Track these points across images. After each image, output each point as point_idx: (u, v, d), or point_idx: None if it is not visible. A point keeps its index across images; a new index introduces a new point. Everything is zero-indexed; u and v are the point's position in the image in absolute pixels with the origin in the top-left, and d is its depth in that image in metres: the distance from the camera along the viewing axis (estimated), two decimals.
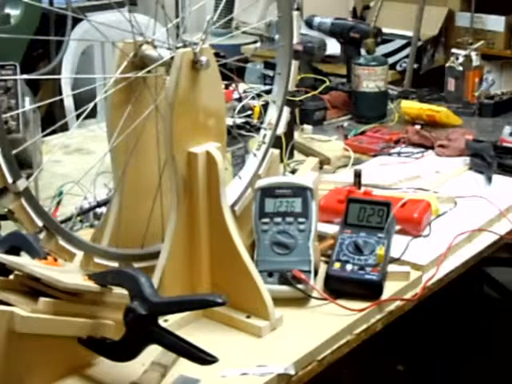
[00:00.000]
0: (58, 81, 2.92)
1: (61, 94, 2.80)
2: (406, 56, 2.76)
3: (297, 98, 2.03)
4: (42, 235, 1.08)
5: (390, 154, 1.96)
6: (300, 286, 1.24)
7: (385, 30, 2.47)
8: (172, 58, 1.15)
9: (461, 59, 2.38)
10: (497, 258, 1.89)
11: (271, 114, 1.40)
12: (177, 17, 1.34)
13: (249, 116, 1.70)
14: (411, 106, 2.25)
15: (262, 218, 1.29)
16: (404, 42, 2.79)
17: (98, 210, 1.53)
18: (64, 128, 2.04)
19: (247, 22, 3.44)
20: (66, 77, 2.75)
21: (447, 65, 2.45)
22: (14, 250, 1.13)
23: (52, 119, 2.91)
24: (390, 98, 2.36)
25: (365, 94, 2.26)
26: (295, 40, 1.38)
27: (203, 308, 1.13)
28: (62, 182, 1.56)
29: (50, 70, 2.70)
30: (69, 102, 2.65)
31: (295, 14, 1.37)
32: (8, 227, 1.34)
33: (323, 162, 1.87)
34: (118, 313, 1.02)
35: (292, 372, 1.09)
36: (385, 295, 1.27)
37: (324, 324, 1.20)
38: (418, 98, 2.42)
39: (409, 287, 1.32)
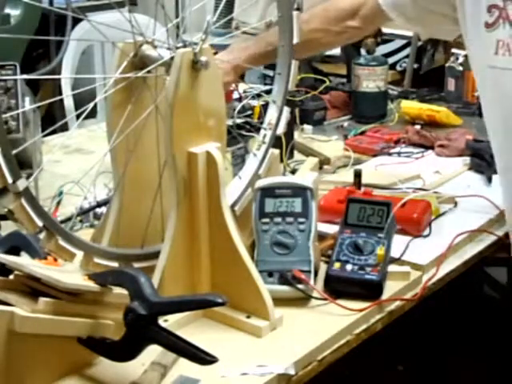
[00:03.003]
0: (58, 81, 2.92)
1: (61, 94, 2.80)
2: (406, 56, 2.75)
3: (297, 98, 2.03)
4: (42, 235, 1.08)
5: (390, 154, 1.96)
6: (300, 286, 1.24)
7: (385, 30, 2.47)
8: (172, 58, 1.15)
9: (461, 59, 2.38)
10: (497, 258, 1.89)
11: (271, 113, 1.40)
12: (177, 17, 1.34)
13: (249, 116, 1.70)
14: (411, 106, 2.25)
15: (262, 218, 1.29)
16: (404, 41, 2.78)
17: (98, 210, 1.53)
18: (64, 128, 2.04)
19: (247, 22, 3.43)
20: (66, 77, 2.75)
21: (447, 65, 2.45)
22: (14, 250, 1.13)
23: (52, 119, 2.91)
24: (390, 98, 2.36)
25: (365, 94, 2.26)
26: (295, 40, 1.38)
27: (203, 308, 1.13)
28: (62, 182, 1.56)
29: (49, 70, 2.70)
30: (69, 102, 2.65)
31: (295, 13, 1.37)
32: (8, 227, 1.34)
33: (323, 162, 1.87)
34: (118, 313, 1.02)
35: (292, 372, 1.09)
36: (385, 295, 1.27)
37: (324, 324, 1.20)
38: (417, 98, 2.42)
39: (409, 287, 1.32)
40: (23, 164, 1.45)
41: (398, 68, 2.78)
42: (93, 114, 2.15)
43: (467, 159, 1.88)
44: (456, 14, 1.46)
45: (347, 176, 1.71)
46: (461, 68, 2.38)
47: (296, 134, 2.01)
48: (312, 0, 1.89)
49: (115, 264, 1.18)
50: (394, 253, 1.37)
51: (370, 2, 1.62)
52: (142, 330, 0.99)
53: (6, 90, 1.57)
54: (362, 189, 1.59)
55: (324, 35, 1.67)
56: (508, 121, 1.39)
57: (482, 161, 1.82)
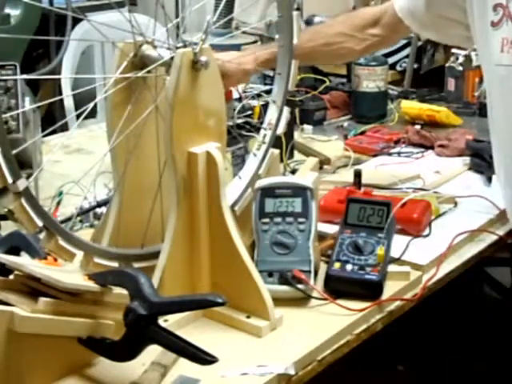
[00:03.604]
0: (58, 81, 2.92)
1: (61, 94, 2.80)
2: (406, 56, 2.75)
3: (297, 98, 2.03)
4: (42, 235, 1.08)
5: (390, 154, 1.96)
6: (300, 286, 1.24)
7: None
8: (172, 58, 1.15)
9: (461, 59, 2.38)
10: (497, 257, 1.89)
11: (271, 114, 1.40)
12: (177, 17, 1.34)
13: (249, 116, 1.70)
14: (411, 106, 2.25)
15: (262, 218, 1.29)
16: (404, 41, 2.78)
17: (98, 210, 1.53)
18: (64, 128, 2.04)
19: (247, 22, 3.43)
20: (66, 77, 2.75)
21: (447, 65, 2.45)
22: (14, 250, 1.13)
23: (52, 119, 2.91)
24: (390, 97, 2.36)
25: (365, 94, 2.26)
26: (295, 40, 1.38)
27: (203, 308, 1.13)
28: (62, 182, 1.56)
29: (49, 70, 2.70)
30: (69, 102, 2.65)
31: (295, 13, 1.37)
32: (8, 227, 1.34)
33: (323, 162, 1.87)
34: (118, 313, 1.02)
35: (292, 372, 1.09)
36: (385, 295, 1.27)
37: (324, 324, 1.20)
38: (417, 98, 2.42)
39: (409, 287, 1.32)
40: (23, 164, 1.45)
41: (398, 68, 2.78)
42: (93, 113, 2.15)
43: (467, 159, 1.88)
44: (467, 19, 1.47)
45: (347, 176, 1.71)
46: (461, 68, 2.38)
47: (296, 134, 2.01)
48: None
49: (115, 264, 1.18)
50: (394, 253, 1.37)
51: (389, 10, 1.64)
52: (141, 330, 0.99)
53: (6, 89, 1.57)
54: (362, 189, 1.59)
55: (347, 39, 1.68)
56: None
57: (482, 161, 1.82)
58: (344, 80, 2.49)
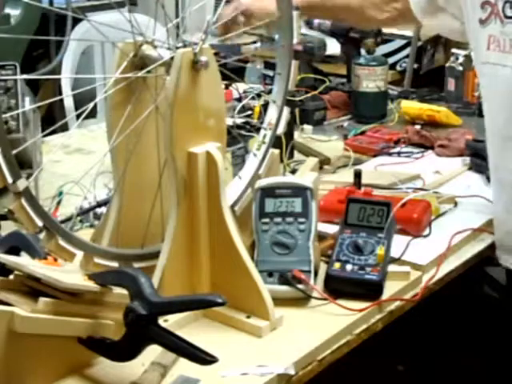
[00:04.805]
0: (57, 81, 2.92)
1: (61, 94, 2.80)
2: (406, 56, 2.76)
3: (297, 98, 2.03)
4: (42, 235, 1.08)
5: (390, 154, 1.96)
6: (300, 286, 1.24)
7: (385, 30, 2.47)
8: (172, 58, 1.15)
9: (461, 59, 2.38)
10: (497, 257, 1.89)
11: (271, 114, 1.40)
12: (177, 17, 1.34)
13: (249, 116, 1.70)
14: (411, 106, 2.25)
15: (262, 218, 1.29)
16: (404, 41, 2.79)
17: (98, 210, 1.53)
18: (64, 128, 2.04)
19: None
20: (66, 77, 2.75)
21: (447, 65, 2.45)
22: (14, 250, 1.13)
23: (52, 119, 2.91)
24: (390, 98, 2.36)
25: (365, 94, 2.26)
26: (295, 40, 1.38)
27: (203, 308, 1.13)
28: (62, 182, 1.56)
29: (49, 70, 2.70)
30: (69, 102, 2.65)
31: (295, 13, 1.37)
32: (8, 227, 1.34)
33: (323, 162, 1.87)
34: (118, 313, 1.02)
35: (292, 372, 1.09)
36: (385, 295, 1.27)
37: (324, 324, 1.20)
38: (417, 98, 2.42)
39: (409, 287, 1.32)
40: (23, 164, 1.45)
41: (398, 68, 2.79)
42: (93, 113, 2.15)
43: (467, 159, 1.88)
44: (463, 17, 1.48)
45: (347, 176, 1.71)
46: (461, 68, 2.38)
47: (296, 134, 2.01)
48: None
49: (115, 264, 1.18)
50: (394, 253, 1.37)
51: None
52: (141, 329, 0.99)
53: (6, 89, 1.57)
54: (362, 189, 1.59)
55: (372, 6, 1.73)
56: (497, 116, 1.40)
57: (482, 161, 1.81)
58: (344, 80, 2.50)
